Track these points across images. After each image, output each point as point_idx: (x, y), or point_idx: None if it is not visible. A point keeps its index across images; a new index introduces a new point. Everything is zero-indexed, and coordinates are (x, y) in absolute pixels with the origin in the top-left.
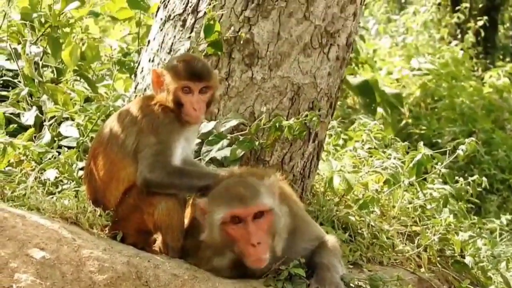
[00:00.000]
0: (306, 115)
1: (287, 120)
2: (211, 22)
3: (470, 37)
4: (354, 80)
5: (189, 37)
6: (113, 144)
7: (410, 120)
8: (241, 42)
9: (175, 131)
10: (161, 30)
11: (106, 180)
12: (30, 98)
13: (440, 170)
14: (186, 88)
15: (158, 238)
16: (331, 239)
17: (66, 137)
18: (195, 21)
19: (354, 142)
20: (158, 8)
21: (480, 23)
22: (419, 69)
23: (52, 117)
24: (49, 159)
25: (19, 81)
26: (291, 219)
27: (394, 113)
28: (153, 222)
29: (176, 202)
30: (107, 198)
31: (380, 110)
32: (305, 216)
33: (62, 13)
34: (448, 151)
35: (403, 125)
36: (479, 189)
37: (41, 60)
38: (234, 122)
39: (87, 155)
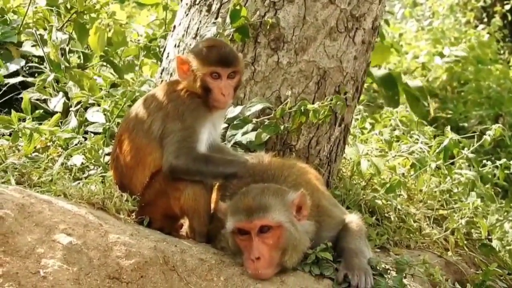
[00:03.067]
0: (331, 99)
1: (313, 104)
2: (238, 7)
3: (497, 21)
4: (377, 72)
5: (214, 23)
6: (139, 129)
7: (435, 112)
8: (267, 26)
9: (201, 117)
10: (186, 15)
11: (133, 166)
12: (56, 84)
13: (467, 155)
14: (215, 73)
15: (185, 223)
16: (355, 220)
17: (93, 122)
18: (220, 6)
19: (382, 126)
20: None
21: (507, 7)
22: (449, 56)
23: (78, 103)
24: (76, 144)
25: (45, 67)
26: (316, 214)
27: (418, 107)
28: (180, 207)
29: (202, 187)
30: (134, 183)
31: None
32: (330, 206)
33: None
34: (475, 136)
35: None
36: (506, 172)
37: (67, 45)
38: (259, 107)
39: (113, 141)
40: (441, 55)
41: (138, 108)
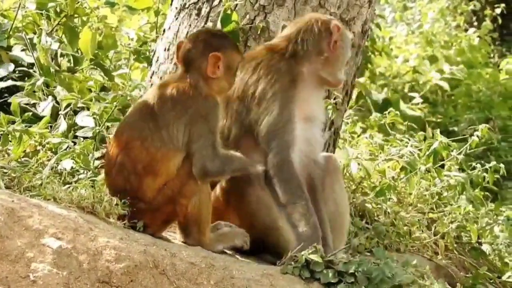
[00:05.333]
0: None
1: None
2: (228, 12)
3: (488, 25)
4: (376, 96)
5: (204, 26)
6: (155, 139)
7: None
8: (257, 30)
9: (219, 115)
10: (176, 19)
11: (143, 174)
12: (46, 88)
13: (456, 158)
14: None
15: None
16: None
17: (82, 127)
18: (210, 9)
19: (373, 129)
20: None
21: (498, 10)
22: (451, 73)
23: (67, 106)
24: (65, 149)
25: (35, 71)
26: None
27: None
28: (185, 214)
29: (208, 195)
30: (144, 190)
31: None
32: None
33: (78, 2)
34: (465, 139)
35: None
36: (496, 176)
37: (58, 48)
38: None
39: (104, 145)
40: (434, 58)
41: (148, 115)
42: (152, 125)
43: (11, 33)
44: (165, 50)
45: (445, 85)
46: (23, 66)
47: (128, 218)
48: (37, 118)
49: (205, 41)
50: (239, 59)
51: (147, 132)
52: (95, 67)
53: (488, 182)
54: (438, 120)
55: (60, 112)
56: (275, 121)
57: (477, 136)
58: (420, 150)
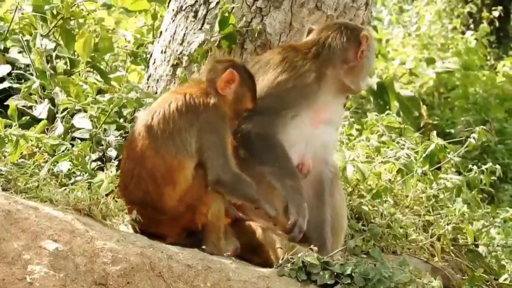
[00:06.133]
0: None
1: None
2: (226, 14)
3: (485, 28)
4: (369, 81)
5: (201, 29)
6: (170, 146)
7: (429, 121)
8: (254, 33)
9: (227, 128)
10: (173, 21)
11: (162, 184)
12: (42, 91)
13: (453, 160)
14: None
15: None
16: None
17: (79, 129)
18: (207, 12)
19: (368, 132)
20: None
21: (495, 13)
22: (442, 68)
23: (64, 109)
24: (62, 151)
25: (31, 74)
26: None
27: (410, 117)
28: (203, 222)
29: (224, 204)
30: (165, 199)
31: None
32: None
33: (75, 5)
34: (461, 141)
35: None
36: (493, 178)
37: (54, 51)
38: None
39: (100, 147)
40: (430, 60)
41: (160, 125)
42: (165, 131)
43: (7, 35)
44: (161, 52)
45: (432, 75)
46: (19, 68)
47: (144, 229)
48: (34, 121)
49: (234, 62)
50: (249, 105)
51: (161, 139)
52: (92, 69)
53: (484, 184)
54: (435, 122)
55: (57, 116)
56: (275, 104)
57: (474, 139)
58: (416, 152)
